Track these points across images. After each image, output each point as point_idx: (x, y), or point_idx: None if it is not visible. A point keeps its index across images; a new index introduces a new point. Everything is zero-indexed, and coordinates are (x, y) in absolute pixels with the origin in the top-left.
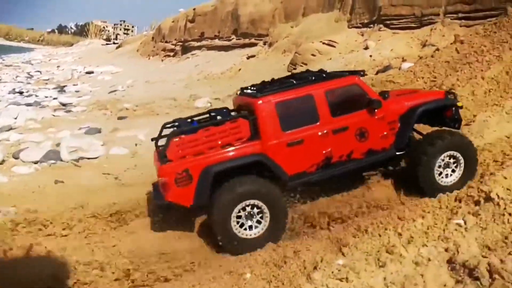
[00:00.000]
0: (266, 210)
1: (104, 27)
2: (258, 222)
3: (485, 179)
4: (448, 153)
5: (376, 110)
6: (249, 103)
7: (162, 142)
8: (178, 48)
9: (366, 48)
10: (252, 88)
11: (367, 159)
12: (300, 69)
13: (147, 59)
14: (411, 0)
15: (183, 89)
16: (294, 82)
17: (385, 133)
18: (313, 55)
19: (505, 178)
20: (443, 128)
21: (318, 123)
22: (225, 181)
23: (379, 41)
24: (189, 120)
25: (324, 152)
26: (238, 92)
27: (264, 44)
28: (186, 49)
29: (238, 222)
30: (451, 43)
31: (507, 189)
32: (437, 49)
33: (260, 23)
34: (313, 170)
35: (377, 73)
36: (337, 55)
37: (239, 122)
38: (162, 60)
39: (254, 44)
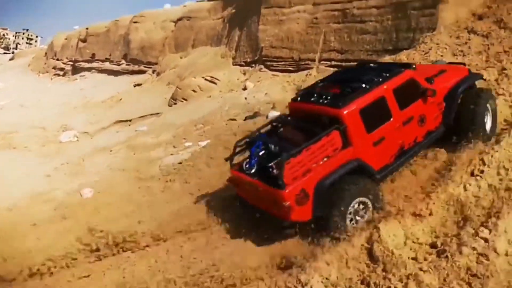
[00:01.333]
0: (370, 205)
1: (3, 35)
2: (362, 217)
3: None
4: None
5: (430, 98)
6: (330, 112)
7: None
8: (68, 67)
9: (245, 88)
10: (315, 92)
11: (427, 140)
12: (180, 104)
13: (38, 75)
14: (290, 43)
15: (57, 117)
16: (364, 85)
17: (436, 114)
18: (193, 90)
19: None
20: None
21: (392, 119)
22: (335, 186)
23: (258, 82)
24: (260, 134)
25: (399, 143)
26: (299, 98)
27: (153, 72)
28: (76, 69)
29: (351, 220)
30: None
31: None
32: None
33: (150, 51)
34: (392, 161)
35: (245, 119)
36: (218, 93)
37: (333, 134)
38: (51, 79)
39: (143, 72)
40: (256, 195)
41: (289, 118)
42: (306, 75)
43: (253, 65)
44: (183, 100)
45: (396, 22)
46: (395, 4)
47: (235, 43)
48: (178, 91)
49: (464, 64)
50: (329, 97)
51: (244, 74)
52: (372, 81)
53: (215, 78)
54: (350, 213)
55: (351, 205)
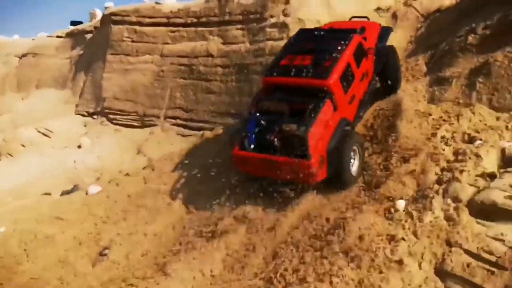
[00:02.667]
0: (358, 151)
1: None
2: (354, 160)
3: None
4: None
5: (370, 56)
6: (317, 84)
7: None
8: None
9: (80, 146)
10: (290, 66)
11: (369, 90)
12: (3, 162)
13: None
14: (135, 96)
15: None
16: (334, 54)
17: (371, 67)
18: (22, 145)
19: None
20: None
21: (355, 79)
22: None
23: (97, 138)
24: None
25: (359, 96)
26: (274, 73)
27: None
28: None
29: (351, 164)
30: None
31: None
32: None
33: None
34: (357, 111)
35: (62, 194)
36: (50, 149)
37: (328, 104)
38: None
39: None
40: (267, 168)
41: (267, 94)
42: (150, 133)
43: (96, 116)
44: (8, 156)
45: (239, 84)
46: (238, 65)
47: (79, 89)
48: (3, 144)
49: (368, 19)
50: (310, 70)
51: (85, 126)
52: (337, 49)
53: (50, 131)
54: (351, 163)
55: (351, 155)
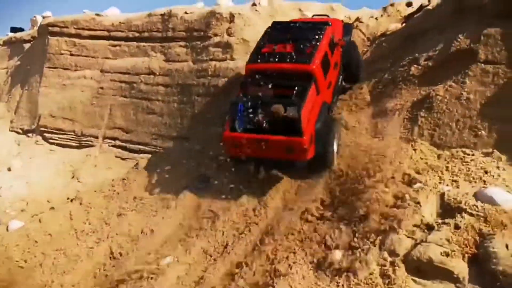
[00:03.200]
0: (336, 132)
1: None
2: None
3: None
4: None
5: (339, 47)
6: (302, 68)
7: None
8: None
9: (10, 169)
10: (273, 53)
11: (339, 79)
12: None
13: None
14: (73, 114)
15: None
16: (313, 42)
17: (340, 59)
18: None
19: None
20: None
21: (330, 66)
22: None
23: (31, 159)
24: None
25: (333, 83)
26: (258, 60)
27: None
28: None
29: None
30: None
31: None
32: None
33: None
34: (333, 97)
35: None
36: None
37: (313, 87)
38: None
39: None
40: (260, 148)
41: (249, 79)
42: (87, 155)
43: (30, 134)
44: None
45: (181, 106)
46: (181, 85)
47: (15, 103)
48: None
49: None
50: (293, 56)
51: (19, 144)
52: (315, 38)
53: None
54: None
55: (335, 136)
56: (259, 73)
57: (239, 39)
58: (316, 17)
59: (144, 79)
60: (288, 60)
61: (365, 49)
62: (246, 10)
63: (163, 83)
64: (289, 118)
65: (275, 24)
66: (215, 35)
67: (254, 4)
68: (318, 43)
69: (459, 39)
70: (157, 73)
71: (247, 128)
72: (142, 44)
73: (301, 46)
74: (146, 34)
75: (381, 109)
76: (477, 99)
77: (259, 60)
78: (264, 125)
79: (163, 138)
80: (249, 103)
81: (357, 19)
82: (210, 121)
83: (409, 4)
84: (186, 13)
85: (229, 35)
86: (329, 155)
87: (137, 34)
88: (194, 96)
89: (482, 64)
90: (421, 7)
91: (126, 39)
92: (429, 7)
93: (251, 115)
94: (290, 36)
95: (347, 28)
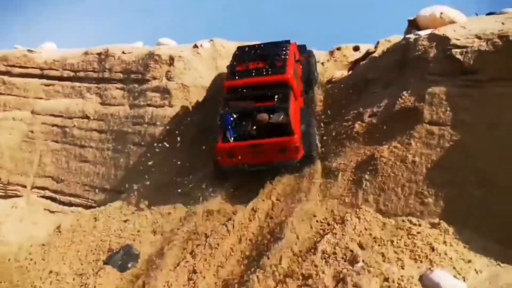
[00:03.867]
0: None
1: None
2: None
3: None
4: None
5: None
6: (279, 79)
7: None
8: None
9: None
10: (248, 70)
11: (303, 89)
12: None
13: None
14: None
15: None
16: (282, 56)
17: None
18: None
19: None
20: None
21: (299, 78)
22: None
23: None
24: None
25: (300, 92)
26: (236, 77)
27: None
28: None
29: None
30: None
31: None
32: None
33: None
34: (304, 103)
35: None
36: None
37: (292, 94)
38: None
39: None
40: (253, 153)
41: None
42: (12, 206)
43: None
44: None
45: (116, 155)
46: (116, 132)
47: None
48: None
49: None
50: (268, 70)
51: None
52: (283, 53)
53: None
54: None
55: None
56: (238, 88)
57: (179, 84)
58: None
59: (78, 123)
60: (264, 73)
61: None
62: (187, 52)
63: (98, 128)
64: (276, 123)
65: (241, 48)
66: (154, 78)
67: (196, 46)
68: (286, 57)
69: (403, 96)
70: (92, 117)
71: (236, 139)
72: (77, 84)
73: (272, 61)
74: (81, 74)
75: (326, 167)
76: (423, 162)
77: (236, 77)
78: (253, 132)
79: (96, 190)
80: (237, 115)
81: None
82: (145, 173)
83: (356, 49)
84: (124, 53)
85: (168, 79)
86: (315, 153)
87: (72, 74)
88: (130, 145)
89: (427, 125)
90: (367, 53)
91: (60, 78)
92: (375, 54)
93: (239, 126)
94: (258, 55)
95: (301, 47)
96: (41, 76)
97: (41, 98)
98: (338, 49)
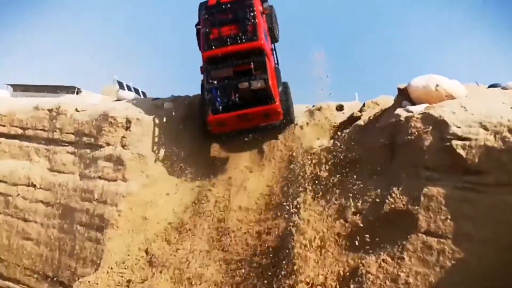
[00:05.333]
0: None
1: None
2: None
3: None
4: None
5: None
6: (253, 46)
7: None
8: None
9: None
10: (224, 37)
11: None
12: None
13: None
14: None
15: None
16: (250, 18)
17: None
18: None
19: None
20: None
21: (267, 34)
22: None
23: None
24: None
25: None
26: (213, 46)
27: None
28: None
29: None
30: None
31: None
32: None
33: None
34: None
35: None
36: None
37: (266, 59)
38: None
39: None
40: (242, 120)
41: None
42: None
43: None
44: None
45: (61, 235)
46: (63, 206)
47: None
48: None
49: None
50: (242, 37)
51: None
52: (251, 16)
53: None
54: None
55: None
56: (216, 57)
57: (135, 154)
58: None
59: (23, 192)
60: (239, 41)
61: (286, 171)
62: (147, 113)
63: (44, 199)
64: (257, 89)
65: (209, 8)
66: (107, 144)
67: (156, 106)
68: (255, 20)
69: (393, 195)
70: (38, 186)
71: (224, 109)
72: (25, 144)
73: (243, 26)
74: (30, 132)
75: (301, 279)
76: (419, 284)
77: (213, 47)
78: (237, 100)
79: (37, 276)
80: (219, 86)
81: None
82: (92, 263)
83: (339, 108)
84: (77, 110)
85: (123, 146)
86: (292, 111)
87: (20, 131)
88: (76, 225)
89: (424, 236)
90: (352, 117)
91: (7, 135)
92: (361, 122)
93: (223, 95)
94: (228, 19)
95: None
96: None
97: None
98: (319, 109)
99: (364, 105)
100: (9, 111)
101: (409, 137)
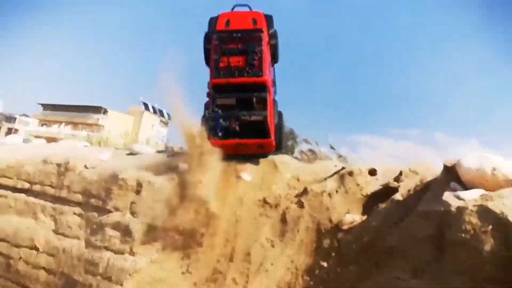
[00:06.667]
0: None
1: None
2: None
3: None
4: None
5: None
6: (257, 81)
7: None
8: None
9: None
10: (231, 68)
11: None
12: None
13: None
14: None
15: None
16: (258, 52)
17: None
18: None
19: None
20: None
21: (271, 65)
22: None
23: None
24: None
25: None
26: (221, 75)
27: None
28: None
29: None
30: None
31: None
32: None
33: None
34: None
35: None
36: None
37: (268, 94)
38: None
39: None
40: (238, 147)
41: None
42: None
43: None
44: None
45: None
46: (66, 277)
47: None
48: None
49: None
50: (249, 70)
51: None
52: (259, 50)
53: None
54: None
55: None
56: (222, 85)
57: (144, 224)
58: (238, 8)
59: (25, 255)
60: (245, 74)
61: (314, 245)
62: (162, 173)
63: (46, 266)
64: (257, 122)
65: (219, 33)
66: (116, 209)
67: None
68: (262, 55)
69: None
70: (41, 250)
71: (224, 135)
72: (32, 200)
73: (251, 59)
74: (37, 188)
75: None
76: None
77: (221, 75)
78: (237, 129)
79: None
80: (222, 114)
81: (304, 191)
82: None
83: (372, 172)
84: (86, 167)
85: (132, 214)
86: (282, 141)
87: (27, 185)
88: None
89: None
90: (387, 188)
91: (14, 189)
92: (399, 195)
93: (224, 120)
94: (238, 49)
95: (269, 18)
96: None
97: None
98: (350, 173)
99: (401, 173)
100: (17, 161)
101: (463, 234)
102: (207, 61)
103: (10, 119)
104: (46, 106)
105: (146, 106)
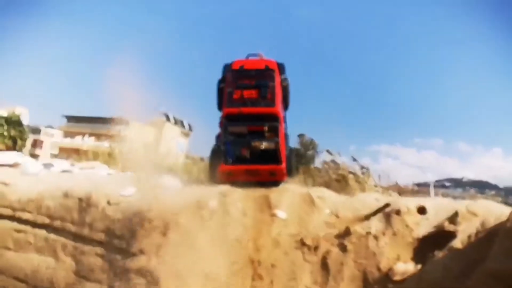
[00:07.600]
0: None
1: None
2: None
3: None
4: None
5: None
6: (270, 111)
7: None
8: None
9: None
10: (244, 100)
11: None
12: None
13: None
14: None
15: None
16: (270, 87)
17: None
18: None
19: None
20: None
21: (282, 103)
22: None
23: None
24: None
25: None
26: (233, 104)
27: None
28: None
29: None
30: None
31: None
32: None
33: None
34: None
35: None
36: None
37: (280, 124)
38: None
39: None
40: (249, 174)
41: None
42: None
43: None
44: None
45: None
46: None
47: None
48: None
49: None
50: (260, 101)
51: None
52: (272, 85)
53: None
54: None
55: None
56: (235, 115)
57: (171, 271)
58: (252, 57)
59: None
60: (257, 105)
61: None
62: (187, 215)
63: None
64: (269, 150)
65: (234, 72)
66: (141, 252)
67: (200, 207)
68: (274, 89)
69: None
70: None
71: (235, 161)
72: (52, 237)
73: (263, 92)
74: (58, 224)
75: None
76: None
77: (234, 105)
78: (247, 155)
79: None
80: (233, 141)
81: (346, 232)
82: None
83: (422, 211)
84: (109, 203)
85: (158, 258)
86: (294, 173)
87: (47, 220)
88: None
89: None
90: (441, 230)
91: (34, 224)
92: (458, 242)
93: (236, 147)
94: (252, 83)
95: (281, 66)
96: (12, 218)
97: (9, 249)
98: (397, 213)
99: (456, 213)
100: (38, 194)
101: None
102: (220, 105)
103: (36, 130)
104: (70, 118)
105: (167, 117)
